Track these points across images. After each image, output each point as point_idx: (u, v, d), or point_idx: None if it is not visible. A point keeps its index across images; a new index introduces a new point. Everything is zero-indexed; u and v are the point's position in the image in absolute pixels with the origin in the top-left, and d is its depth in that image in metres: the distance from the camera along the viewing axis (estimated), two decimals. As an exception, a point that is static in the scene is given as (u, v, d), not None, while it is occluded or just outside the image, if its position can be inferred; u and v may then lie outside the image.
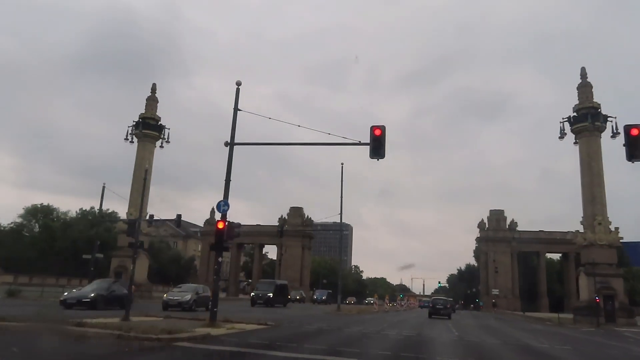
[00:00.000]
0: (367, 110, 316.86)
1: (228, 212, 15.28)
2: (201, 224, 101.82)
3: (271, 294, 37.75)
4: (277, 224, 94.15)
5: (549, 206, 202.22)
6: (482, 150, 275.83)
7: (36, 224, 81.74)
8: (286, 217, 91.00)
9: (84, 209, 73.65)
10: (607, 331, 28.40)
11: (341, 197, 35.31)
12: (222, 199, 15.61)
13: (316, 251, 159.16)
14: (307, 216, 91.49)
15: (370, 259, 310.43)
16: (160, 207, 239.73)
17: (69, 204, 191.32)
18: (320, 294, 64.85)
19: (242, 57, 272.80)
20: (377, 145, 15.01)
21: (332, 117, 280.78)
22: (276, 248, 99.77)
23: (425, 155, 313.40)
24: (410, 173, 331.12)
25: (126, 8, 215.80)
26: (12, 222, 78.85)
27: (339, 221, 36.31)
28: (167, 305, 24.45)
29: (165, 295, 31.93)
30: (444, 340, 15.91)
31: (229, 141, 16.31)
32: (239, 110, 16.61)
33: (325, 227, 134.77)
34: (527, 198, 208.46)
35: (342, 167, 36.45)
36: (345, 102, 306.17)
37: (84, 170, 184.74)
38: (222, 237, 15.20)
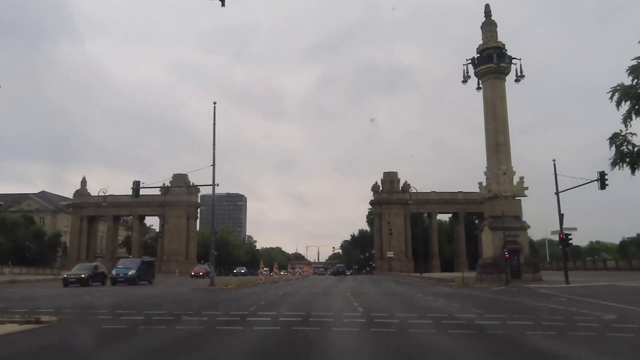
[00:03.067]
0: (268, 82, 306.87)
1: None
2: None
3: None
4: (159, 193, 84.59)
5: (438, 173, 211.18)
6: (380, 122, 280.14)
7: None
8: (169, 185, 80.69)
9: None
10: (521, 289, 24.96)
11: (214, 141, 28.18)
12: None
13: (208, 222, 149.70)
14: (193, 183, 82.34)
15: (266, 230, 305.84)
16: (28, 181, 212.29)
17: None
18: (123, 268, 34.38)
19: (138, 23, 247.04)
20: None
21: (231, 88, 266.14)
22: (158, 220, 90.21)
23: (324, 127, 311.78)
24: (309, 145, 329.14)
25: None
26: None
27: (213, 180, 29.02)
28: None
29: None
30: (346, 328, 9.89)
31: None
32: None
33: (219, 198, 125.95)
34: (420, 166, 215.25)
35: (214, 106, 29.14)
36: (246, 72, 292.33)
37: None
38: None
